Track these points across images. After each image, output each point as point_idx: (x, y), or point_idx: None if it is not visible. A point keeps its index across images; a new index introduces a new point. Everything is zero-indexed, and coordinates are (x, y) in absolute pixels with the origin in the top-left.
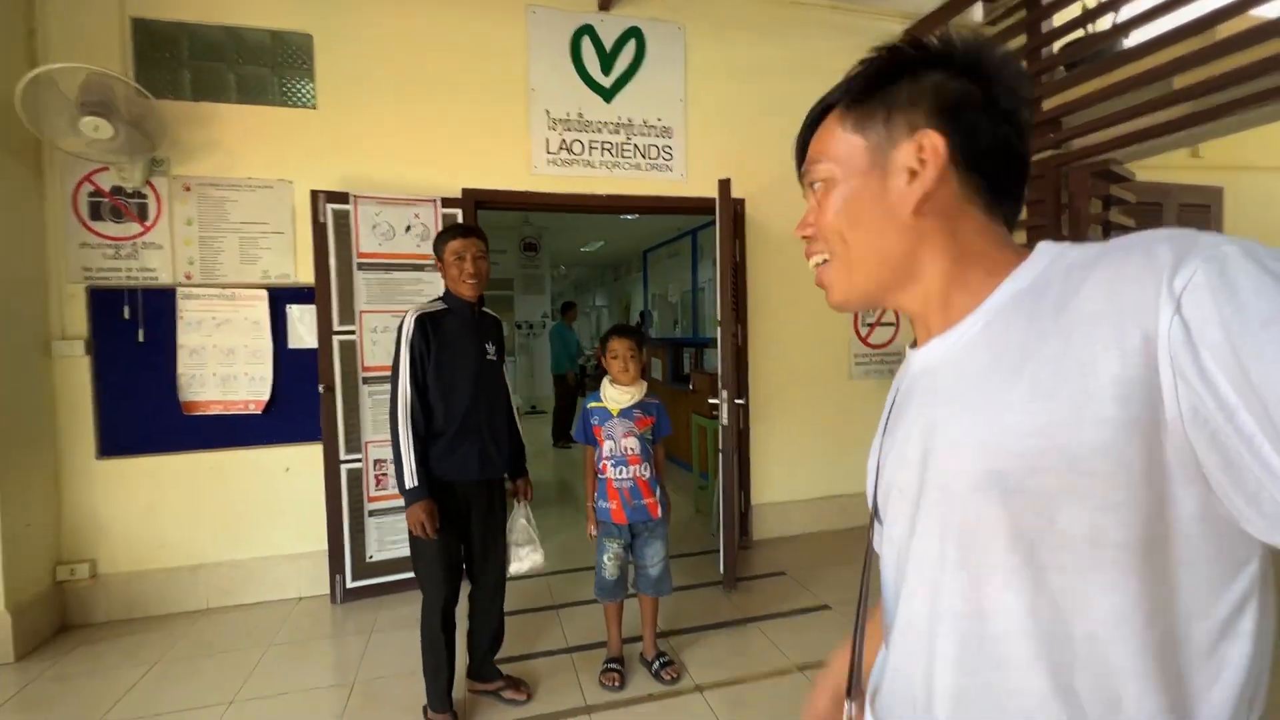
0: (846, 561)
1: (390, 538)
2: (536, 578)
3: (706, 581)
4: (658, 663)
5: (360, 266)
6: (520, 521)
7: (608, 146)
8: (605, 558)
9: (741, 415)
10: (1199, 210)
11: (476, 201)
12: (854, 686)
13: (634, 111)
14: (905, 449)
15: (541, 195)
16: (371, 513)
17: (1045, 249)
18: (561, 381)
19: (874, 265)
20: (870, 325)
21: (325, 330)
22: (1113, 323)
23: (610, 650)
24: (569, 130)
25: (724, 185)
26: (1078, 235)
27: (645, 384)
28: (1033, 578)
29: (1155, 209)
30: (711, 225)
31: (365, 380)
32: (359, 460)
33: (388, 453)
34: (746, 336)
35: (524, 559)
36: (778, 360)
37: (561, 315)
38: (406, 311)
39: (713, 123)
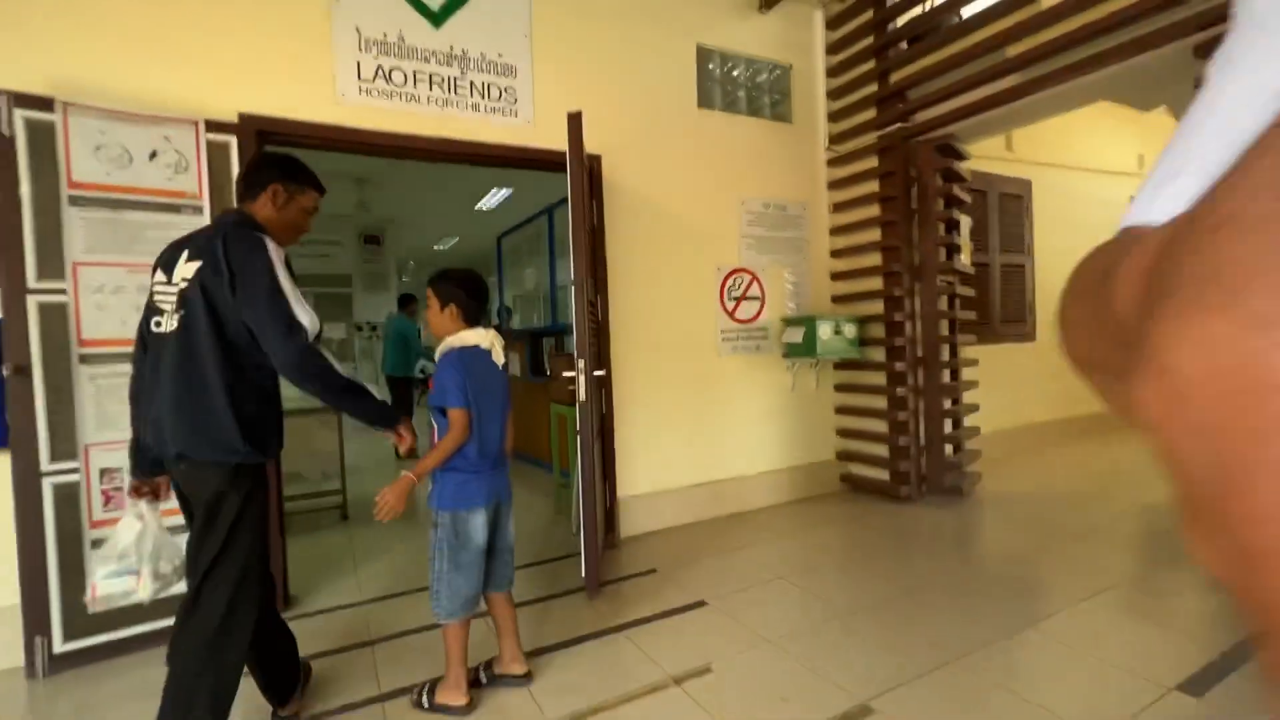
0: (722, 551)
1: None
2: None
3: (568, 589)
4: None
5: (74, 201)
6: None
7: (438, 80)
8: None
9: (604, 397)
10: (1014, 199)
11: (261, 132)
12: None
13: (470, 42)
14: None
15: (352, 132)
16: (96, 543)
17: None
18: (399, 386)
19: None
20: (736, 299)
21: (15, 288)
22: None
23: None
24: (387, 55)
25: (574, 120)
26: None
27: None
28: None
29: (981, 195)
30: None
31: (85, 359)
32: (74, 471)
33: (118, 458)
34: (607, 310)
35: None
36: (641, 336)
37: (401, 309)
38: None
39: (563, 66)
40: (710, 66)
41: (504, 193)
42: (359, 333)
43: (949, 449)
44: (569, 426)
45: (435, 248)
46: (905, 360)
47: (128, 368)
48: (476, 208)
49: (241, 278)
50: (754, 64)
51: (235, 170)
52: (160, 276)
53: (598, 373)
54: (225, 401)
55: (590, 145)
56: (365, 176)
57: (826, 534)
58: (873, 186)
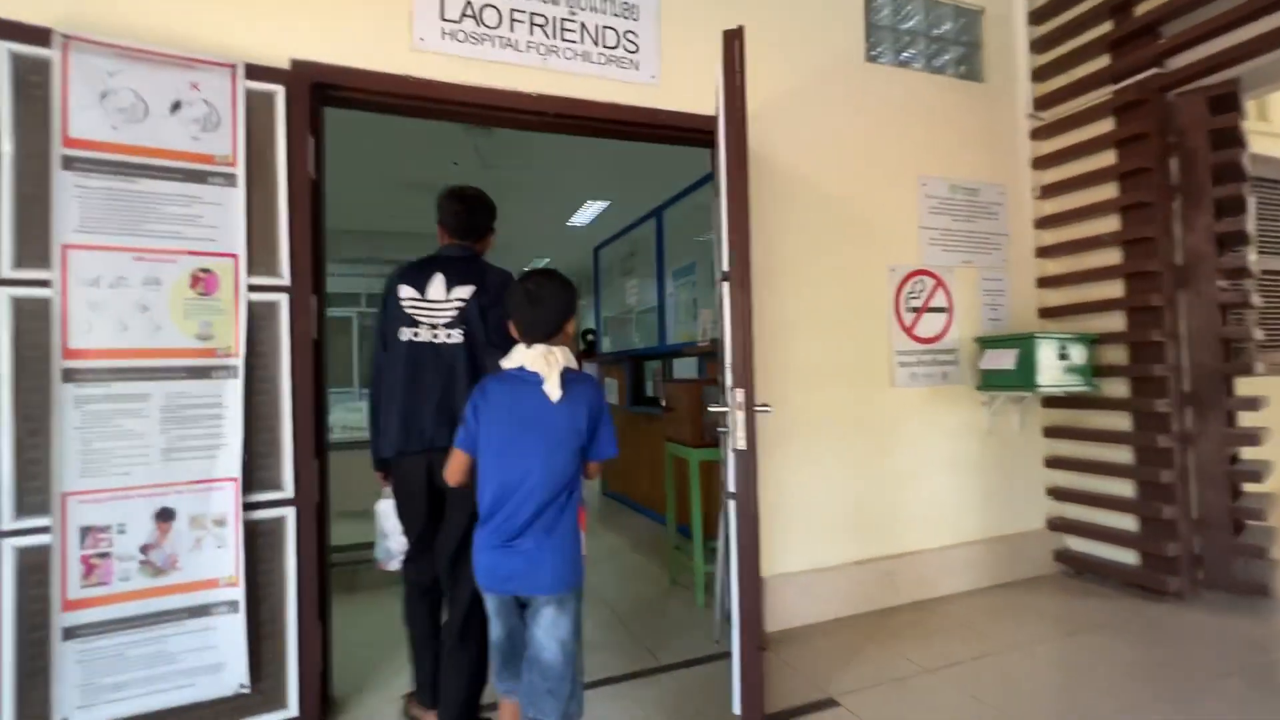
0: (912, 667)
1: (117, 675)
2: None
3: None
4: None
5: (70, 164)
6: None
7: (539, 21)
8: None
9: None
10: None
11: (318, 85)
12: None
13: None
14: None
15: (430, 86)
16: (74, 632)
17: None
18: None
19: None
20: (915, 311)
21: None
22: None
23: None
24: None
25: (733, 41)
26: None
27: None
28: None
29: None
30: (684, 197)
31: (70, 375)
32: (45, 530)
33: (107, 513)
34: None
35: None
36: (789, 356)
37: None
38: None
39: (697, 5)
40: (879, 10)
41: (598, 206)
42: None
43: (1236, 524)
44: (691, 473)
45: (525, 269)
46: (1169, 397)
47: (125, 388)
48: (569, 223)
49: (496, 307)
50: (935, 8)
51: (282, 132)
52: (410, 292)
53: (762, 408)
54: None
55: (712, 107)
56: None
57: (1062, 649)
58: (1103, 160)
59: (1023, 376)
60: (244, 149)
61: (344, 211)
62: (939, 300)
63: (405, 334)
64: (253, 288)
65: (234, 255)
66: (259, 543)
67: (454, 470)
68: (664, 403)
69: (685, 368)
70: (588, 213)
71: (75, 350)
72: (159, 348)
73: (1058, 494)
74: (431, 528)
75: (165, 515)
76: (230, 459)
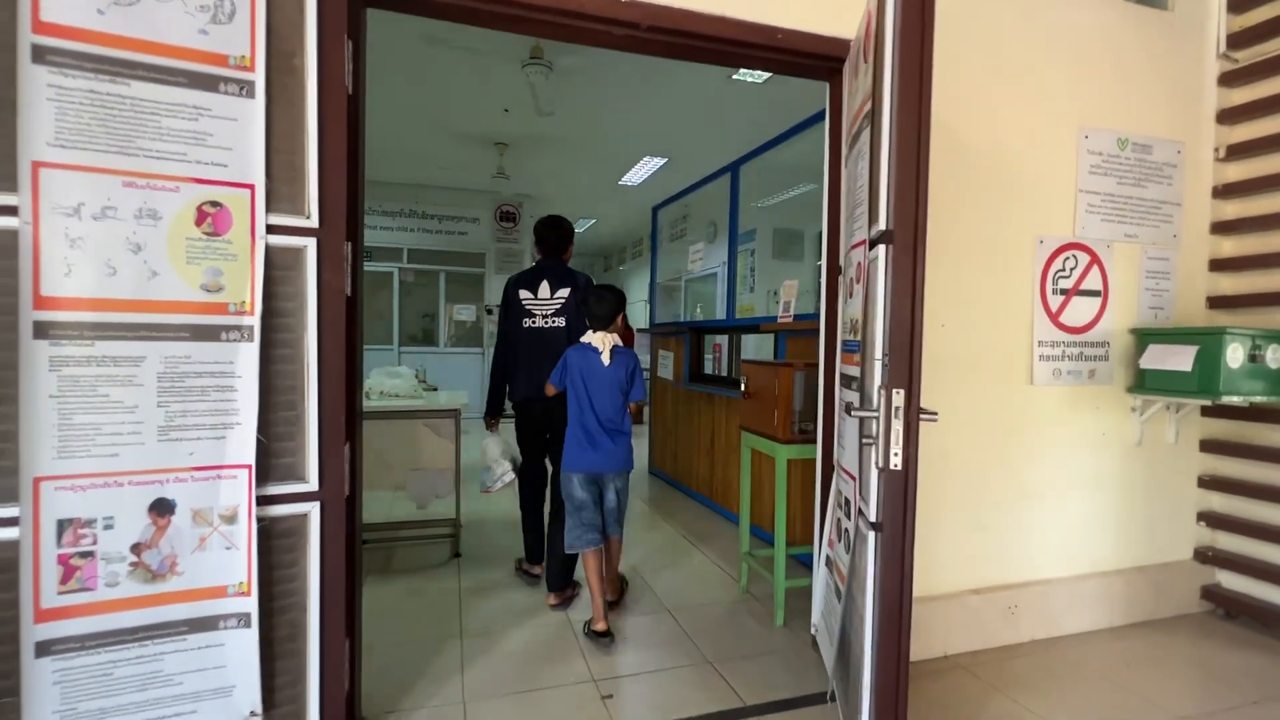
0: None
1: (102, 700)
2: None
3: None
4: None
5: (43, 56)
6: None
7: None
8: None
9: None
10: None
11: None
12: None
13: None
14: None
15: None
16: (50, 647)
17: None
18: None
19: None
20: (1064, 293)
21: None
22: None
23: None
24: None
25: None
26: None
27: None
28: None
29: None
30: (762, 153)
31: (44, 329)
32: (12, 523)
33: (94, 504)
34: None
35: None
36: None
37: None
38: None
39: None
40: None
41: (654, 164)
42: (489, 315)
43: None
44: (778, 473)
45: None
46: None
47: (113, 349)
48: (621, 181)
49: (585, 299)
50: None
51: (313, 30)
52: (525, 294)
53: (928, 415)
54: None
55: (842, 27)
56: (509, 140)
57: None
58: None
59: (1203, 380)
60: (265, 50)
61: (384, 162)
62: (1093, 282)
63: (526, 322)
64: (273, 228)
65: (250, 186)
66: (276, 544)
67: (549, 391)
68: (744, 386)
69: (756, 345)
70: (643, 171)
71: (50, 299)
72: (155, 299)
73: (1212, 520)
74: (541, 446)
75: (162, 508)
76: (243, 441)
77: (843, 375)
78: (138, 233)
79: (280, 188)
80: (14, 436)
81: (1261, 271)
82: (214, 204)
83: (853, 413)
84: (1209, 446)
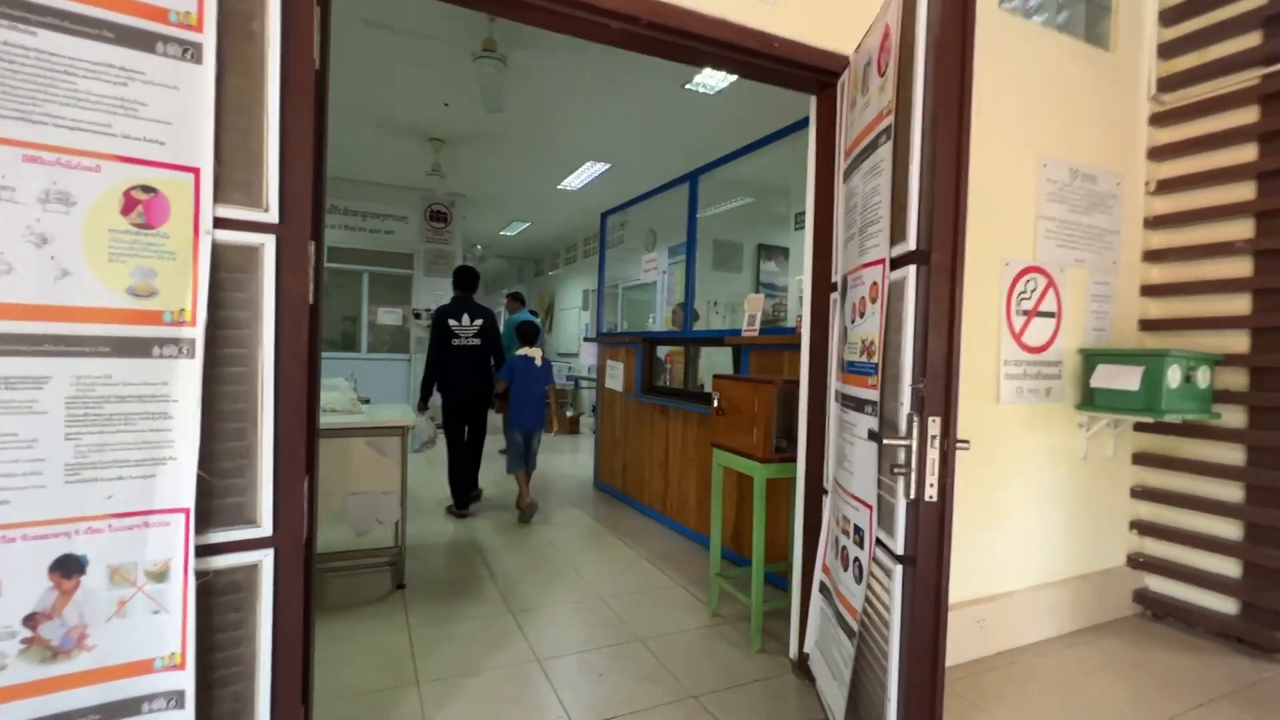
0: None
1: None
2: None
3: None
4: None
5: None
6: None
7: None
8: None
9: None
10: None
11: None
12: None
13: None
14: None
15: None
16: None
17: None
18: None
19: None
20: (1025, 314)
21: None
22: None
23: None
24: None
25: None
26: None
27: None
28: None
29: None
30: (719, 165)
31: None
32: None
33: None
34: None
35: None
36: None
37: (519, 304)
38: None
39: None
40: None
41: (598, 168)
42: (417, 320)
43: None
44: (756, 493)
45: (502, 232)
46: None
47: (8, 367)
48: (560, 185)
49: (491, 326)
50: None
51: None
52: (453, 321)
53: (961, 443)
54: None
55: (837, 41)
56: (445, 136)
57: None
58: (1238, 156)
59: (1148, 399)
60: (215, 7)
61: None
62: (1049, 304)
63: (454, 342)
64: (222, 222)
65: (194, 170)
66: (218, 602)
67: (498, 388)
68: (716, 403)
69: (708, 357)
70: (584, 175)
71: None
72: (65, 304)
73: (1142, 528)
74: (462, 425)
75: (68, 567)
76: (178, 481)
77: (845, 396)
78: (43, 220)
79: (232, 174)
80: None
81: (1184, 298)
82: (147, 189)
83: (882, 441)
84: (1140, 459)
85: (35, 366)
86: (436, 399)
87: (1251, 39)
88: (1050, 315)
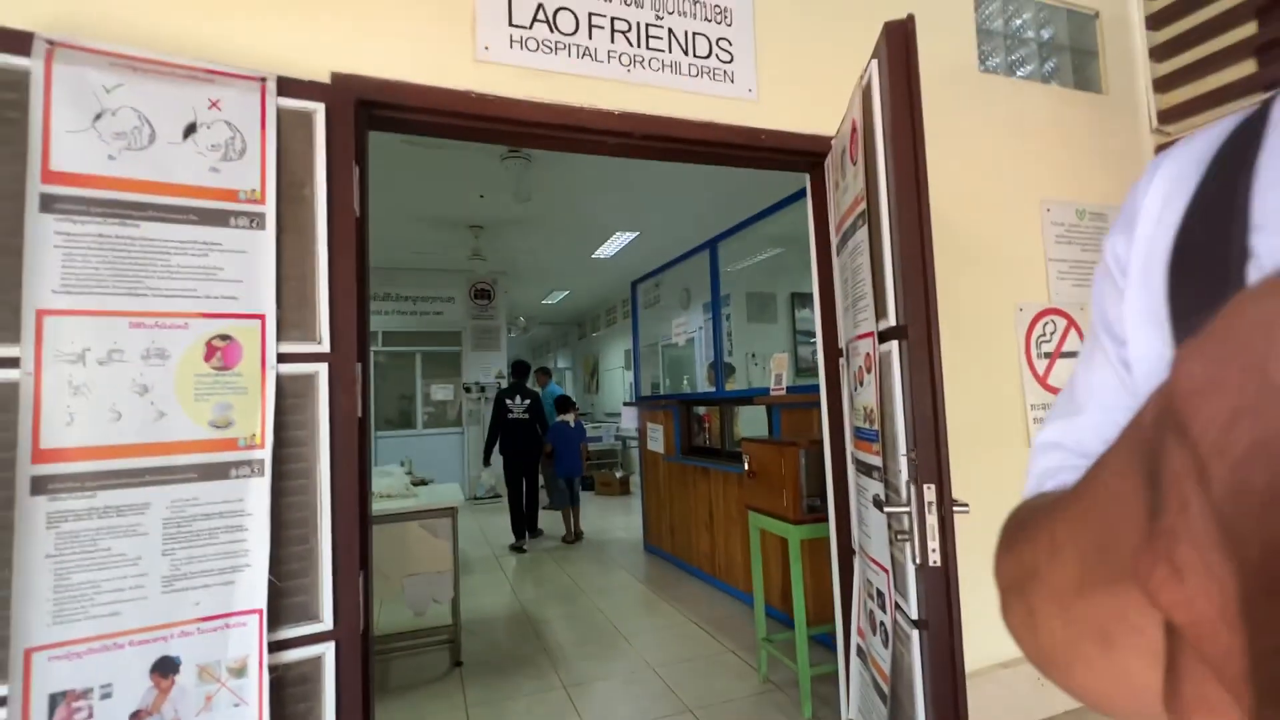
0: None
1: None
2: None
3: None
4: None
5: (51, 204)
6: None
7: (622, 26)
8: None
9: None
10: None
11: (364, 102)
12: None
13: None
14: None
15: (499, 105)
16: None
17: None
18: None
19: None
20: (1048, 356)
21: None
22: None
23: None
24: None
25: (897, 33)
26: None
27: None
28: None
29: None
30: (741, 229)
31: (42, 484)
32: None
33: (91, 671)
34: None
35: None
36: None
37: (547, 377)
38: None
39: (796, 9)
40: (989, 16)
41: (627, 237)
42: (467, 394)
43: None
44: (792, 555)
45: (543, 302)
46: None
47: (117, 498)
48: (594, 255)
49: (537, 405)
50: (1045, 9)
51: (321, 160)
52: (509, 401)
53: (960, 507)
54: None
55: (820, 124)
56: (483, 223)
57: None
58: None
59: None
60: (275, 182)
61: None
62: (1072, 343)
63: (509, 415)
64: (284, 357)
65: (260, 316)
66: (288, 693)
67: (547, 449)
68: (747, 465)
69: (747, 416)
70: (615, 245)
71: (50, 451)
72: (162, 441)
73: None
74: (519, 477)
75: (166, 667)
76: (254, 584)
77: (859, 462)
78: (145, 374)
79: (290, 315)
80: (5, 603)
81: None
82: (224, 338)
83: (884, 509)
84: None
85: (139, 495)
86: (496, 458)
87: (1246, 67)
88: (1075, 355)
